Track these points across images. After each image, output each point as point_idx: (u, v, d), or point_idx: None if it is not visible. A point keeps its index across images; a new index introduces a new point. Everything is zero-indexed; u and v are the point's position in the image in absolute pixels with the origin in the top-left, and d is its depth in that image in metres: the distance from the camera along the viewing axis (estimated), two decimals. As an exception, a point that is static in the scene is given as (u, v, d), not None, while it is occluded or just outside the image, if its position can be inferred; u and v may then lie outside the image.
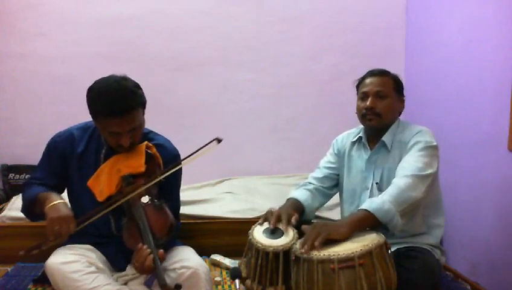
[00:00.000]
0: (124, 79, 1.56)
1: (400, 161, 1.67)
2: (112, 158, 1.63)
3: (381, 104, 1.71)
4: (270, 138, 3.31)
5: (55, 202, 1.47)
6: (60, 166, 1.66)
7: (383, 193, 1.54)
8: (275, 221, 1.56)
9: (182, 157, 1.67)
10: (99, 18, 3.09)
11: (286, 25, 3.22)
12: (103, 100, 1.49)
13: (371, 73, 1.77)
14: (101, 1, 3.08)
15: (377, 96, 1.71)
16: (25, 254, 1.41)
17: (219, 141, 1.58)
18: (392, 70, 1.82)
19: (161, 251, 1.45)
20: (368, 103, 1.71)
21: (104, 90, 1.51)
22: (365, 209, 1.47)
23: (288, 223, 1.56)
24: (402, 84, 1.80)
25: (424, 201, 1.63)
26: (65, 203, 1.49)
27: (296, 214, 1.62)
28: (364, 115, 1.73)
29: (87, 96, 1.55)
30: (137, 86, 1.58)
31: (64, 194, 1.69)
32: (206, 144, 1.58)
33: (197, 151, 1.59)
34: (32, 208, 1.59)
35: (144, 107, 1.61)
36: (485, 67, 2.24)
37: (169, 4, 3.13)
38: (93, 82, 1.58)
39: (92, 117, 1.57)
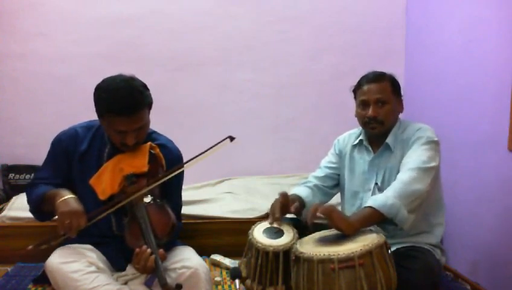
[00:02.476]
0: (132, 79, 1.57)
1: (402, 159, 1.67)
2: (115, 157, 1.63)
3: (383, 111, 1.69)
4: (270, 138, 3.31)
5: (66, 197, 1.47)
6: (64, 164, 1.66)
7: (388, 188, 1.54)
8: (279, 211, 1.57)
9: (192, 155, 1.62)
10: (99, 18, 3.09)
11: (286, 25, 3.22)
12: (111, 98, 1.50)
13: (367, 79, 1.74)
14: (101, 1, 3.08)
15: (377, 104, 1.69)
16: (34, 248, 1.41)
17: (232, 139, 1.56)
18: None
19: (161, 250, 1.45)
20: (369, 112, 1.69)
21: (112, 89, 1.52)
22: (370, 207, 1.48)
23: (286, 212, 1.60)
24: (399, 84, 1.78)
25: (426, 198, 1.63)
26: (76, 198, 1.50)
27: (297, 203, 1.65)
28: (366, 123, 1.73)
29: (94, 94, 1.56)
30: (144, 86, 1.59)
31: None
32: (219, 142, 1.56)
33: (209, 149, 1.56)
34: (40, 208, 1.59)
35: (150, 108, 1.61)
36: (485, 68, 2.24)
37: (169, 4, 3.13)
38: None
39: (98, 115, 1.58)
